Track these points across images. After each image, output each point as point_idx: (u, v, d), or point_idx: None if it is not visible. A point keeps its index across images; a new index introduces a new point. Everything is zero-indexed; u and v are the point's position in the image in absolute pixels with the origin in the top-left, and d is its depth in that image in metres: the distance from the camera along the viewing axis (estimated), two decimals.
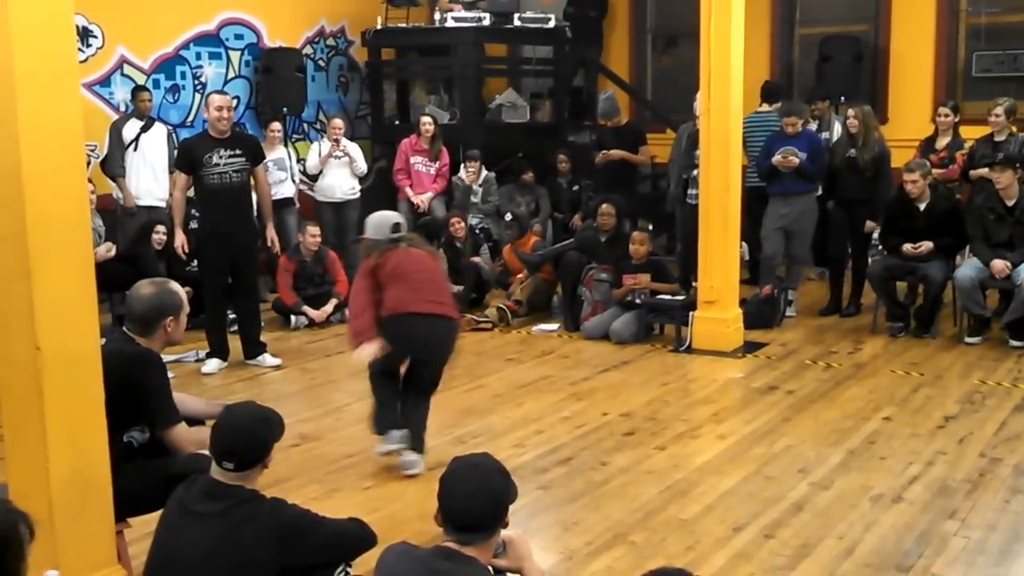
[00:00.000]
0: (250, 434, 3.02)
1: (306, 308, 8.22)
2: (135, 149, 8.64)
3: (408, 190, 9.79)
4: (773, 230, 8.18)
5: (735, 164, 7.30)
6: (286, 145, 9.85)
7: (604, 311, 7.82)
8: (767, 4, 10.71)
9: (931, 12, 10.07)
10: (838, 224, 8.29)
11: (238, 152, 6.88)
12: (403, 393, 5.20)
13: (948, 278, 7.40)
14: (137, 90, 8.90)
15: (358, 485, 4.93)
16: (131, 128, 8.68)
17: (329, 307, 8.25)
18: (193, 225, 7.57)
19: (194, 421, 3.68)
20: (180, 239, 7.15)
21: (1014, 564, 4.00)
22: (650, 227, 8.68)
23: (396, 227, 5.21)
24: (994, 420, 5.71)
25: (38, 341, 3.26)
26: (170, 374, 3.75)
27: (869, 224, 7.99)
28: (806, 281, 8.94)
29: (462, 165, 9.88)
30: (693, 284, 7.74)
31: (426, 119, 9.80)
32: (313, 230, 8.42)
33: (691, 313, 7.38)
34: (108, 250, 7.92)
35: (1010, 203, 7.23)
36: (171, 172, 8.63)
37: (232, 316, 7.37)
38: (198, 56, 9.99)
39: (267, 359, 7.15)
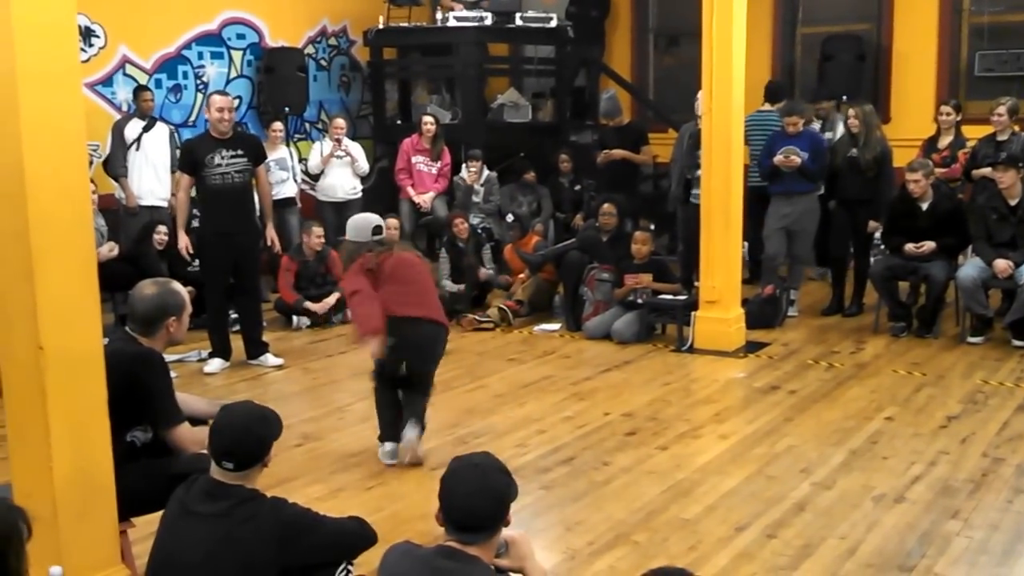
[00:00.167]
0: (249, 433, 3.02)
1: (308, 304, 8.22)
2: (137, 149, 8.65)
3: (410, 190, 9.79)
4: (775, 230, 8.17)
5: (737, 164, 7.30)
6: (288, 145, 9.85)
7: (606, 311, 7.82)
8: (769, 3, 10.71)
9: (934, 11, 10.07)
10: (840, 224, 8.29)
11: (240, 152, 6.88)
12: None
13: (950, 278, 7.40)
14: (139, 90, 8.91)
15: (361, 485, 4.94)
16: (133, 128, 8.68)
17: (331, 299, 8.22)
18: (194, 224, 7.57)
19: (197, 421, 3.68)
20: (184, 241, 7.15)
21: (1017, 564, 3.99)
22: (652, 227, 8.67)
23: (377, 229, 5.28)
24: (996, 420, 5.71)
25: (41, 341, 3.27)
26: (172, 374, 3.75)
27: (872, 224, 7.99)
28: (807, 281, 8.94)
29: (464, 165, 9.88)
30: (695, 284, 7.74)
31: (428, 119, 9.80)
32: (317, 231, 8.42)
33: (693, 313, 7.38)
34: (111, 250, 7.93)
35: (1013, 203, 7.23)
36: (173, 172, 8.65)
37: (234, 316, 7.39)
38: (200, 56, 10.00)
39: (269, 359, 7.15)
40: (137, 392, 3.52)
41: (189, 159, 6.95)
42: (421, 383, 5.27)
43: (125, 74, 9.35)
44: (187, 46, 9.88)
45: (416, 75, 11.60)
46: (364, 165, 9.70)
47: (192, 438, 3.56)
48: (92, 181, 7.09)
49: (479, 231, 9.33)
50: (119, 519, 3.53)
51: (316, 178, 9.76)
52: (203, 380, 6.83)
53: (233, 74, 10.32)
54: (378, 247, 5.21)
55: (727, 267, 7.32)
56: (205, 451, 3.11)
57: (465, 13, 10.59)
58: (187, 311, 3.73)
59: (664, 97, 11.57)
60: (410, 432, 5.17)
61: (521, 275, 8.72)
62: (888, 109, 10.11)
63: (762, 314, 7.86)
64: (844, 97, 9.59)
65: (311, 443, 5.54)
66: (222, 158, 6.82)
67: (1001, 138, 7.93)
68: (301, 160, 9.99)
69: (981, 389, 6.31)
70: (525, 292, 8.48)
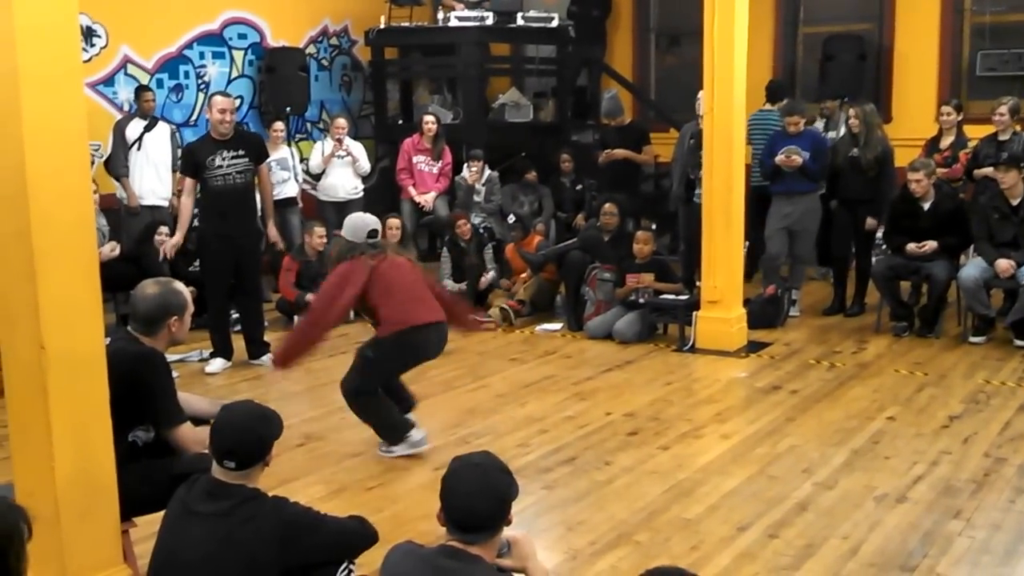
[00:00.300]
0: (249, 433, 3.03)
1: (309, 297, 8.18)
2: (138, 149, 8.65)
3: (411, 189, 9.79)
4: (777, 230, 8.17)
5: (738, 164, 7.29)
6: (289, 145, 9.85)
7: (607, 311, 7.82)
8: (771, 3, 10.71)
9: (935, 11, 10.06)
10: (841, 224, 8.29)
11: (241, 153, 6.88)
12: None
13: (952, 278, 7.39)
14: (140, 90, 8.92)
15: (362, 485, 4.94)
16: (134, 128, 8.69)
17: None
18: (195, 224, 7.56)
19: (199, 421, 3.67)
20: (176, 239, 7.14)
21: (1019, 564, 3.99)
22: (653, 226, 8.67)
23: (373, 233, 5.32)
24: (998, 420, 5.70)
25: (43, 340, 3.27)
26: (174, 373, 3.75)
27: (870, 221, 7.98)
28: (808, 281, 8.93)
29: (465, 164, 9.88)
30: (697, 284, 7.73)
31: (428, 118, 9.80)
32: (319, 231, 8.42)
33: (695, 313, 7.38)
34: (112, 249, 7.93)
35: (1014, 202, 7.22)
36: (174, 171, 8.66)
37: (235, 316, 7.39)
38: (201, 56, 10.00)
39: (268, 359, 7.15)
40: (139, 392, 3.52)
41: (190, 162, 6.94)
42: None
43: (126, 74, 9.36)
44: (188, 46, 9.89)
45: (417, 75, 11.60)
46: (365, 165, 9.70)
47: (194, 438, 3.55)
48: (93, 181, 7.08)
49: (481, 231, 9.33)
50: (121, 519, 3.53)
51: (317, 178, 9.76)
52: (205, 380, 6.83)
53: (234, 74, 10.33)
54: (371, 250, 5.23)
55: (729, 267, 7.32)
56: (207, 451, 3.11)
57: (466, 13, 10.59)
58: (189, 311, 3.74)
59: (665, 97, 11.56)
60: (417, 433, 5.31)
61: (523, 275, 8.71)
62: (890, 109, 10.11)
63: (764, 314, 7.85)
64: (845, 98, 9.58)
65: (312, 443, 5.54)
66: (223, 159, 6.82)
67: (1003, 138, 7.92)
68: (302, 160, 9.99)
69: (983, 389, 6.31)
70: (527, 292, 8.47)
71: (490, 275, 8.83)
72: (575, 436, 5.58)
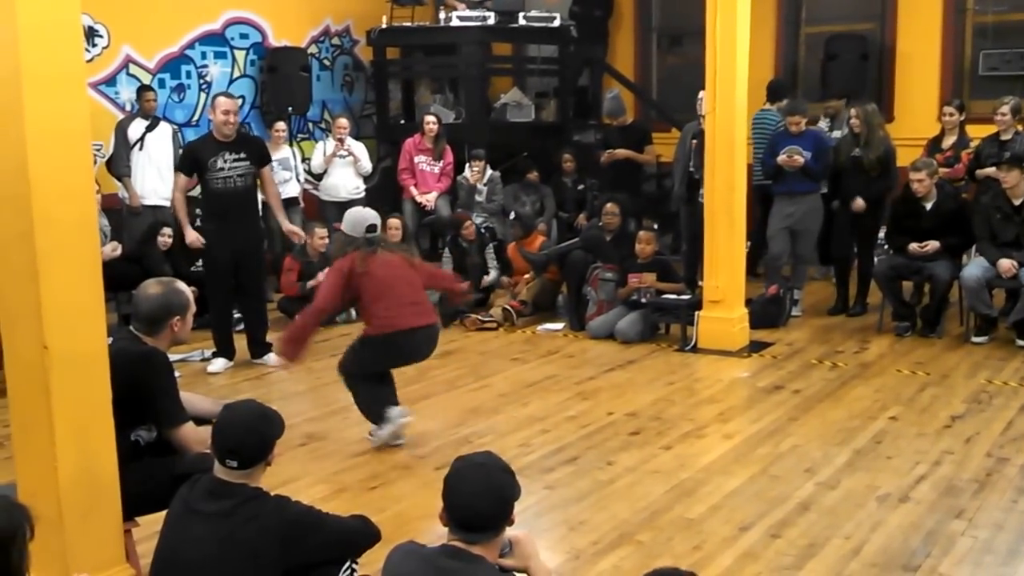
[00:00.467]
0: (251, 432, 3.03)
1: (312, 283, 8.15)
2: (140, 149, 8.66)
3: (413, 189, 9.79)
4: (779, 230, 8.17)
5: (740, 164, 7.29)
6: (291, 145, 9.85)
7: (609, 310, 7.81)
8: (773, 3, 10.70)
9: (938, 10, 10.05)
10: (843, 224, 8.29)
11: (243, 156, 6.87)
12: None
13: (954, 277, 7.39)
14: (142, 89, 8.92)
15: (364, 484, 4.94)
16: (136, 128, 8.69)
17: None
18: (196, 224, 7.58)
19: (201, 420, 3.68)
20: (192, 235, 7.09)
21: (1022, 564, 3.98)
22: (655, 226, 8.67)
23: (372, 228, 5.40)
24: (1001, 420, 5.70)
25: (45, 340, 3.27)
26: (176, 373, 3.75)
27: (858, 203, 7.94)
28: (810, 281, 8.93)
29: (467, 164, 9.88)
30: (699, 283, 7.73)
31: (430, 118, 9.80)
32: (320, 232, 8.42)
33: (697, 312, 7.37)
34: (114, 249, 7.94)
35: (1017, 202, 7.22)
36: (176, 171, 8.65)
37: (238, 316, 7.40)
38: (203, 56, 10.01)
39: (272, 358, 7.15)
40: (141, 391, 3.52)
41: (190, 161, 6.93)
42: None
43: (128, 74, 9.36)
44: (190, 46, 9.89)
45: (419, 75, 11.60)
46: (367, 165, 9.71)
47: (196, 437, 3.56)
48: (95, 181, 7.10)
49: (482, 231, 9.33)
50: (123, 518, 3.53)
51: (319, 178, 9.77)
52: (207, 380, 6.83)
53: (236, 74, 10.33)
54: (367, 246, 5.32)
55: (731, 267, 7.31)
56: (209, 450, 3.11)
57: (468, 13, 10.59)
58: (191, 311, 3.74)
59: (667, 97, 11.55)
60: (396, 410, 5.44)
61: (526, 275, 8.71)
62: (892, 108, 10.10)
63: (766, 314, 7.85)
64: (847, 99, 9.57)
65: (314, 443, 5.54)
66: (225, 161, 6.81)
67: (1005, 137, 7.91)
68: (304, 160, 9.99)
69: (985, 389, 6.30)
70: (529, 292, 8.47)
71: (492, 275, 8.83)
72: (577, 436, 5.58)
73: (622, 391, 6.44)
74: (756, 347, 7.37)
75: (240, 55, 10.34)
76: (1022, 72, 9.64)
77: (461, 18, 10.50)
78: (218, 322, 7.13)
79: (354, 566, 3.15)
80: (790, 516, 4.45)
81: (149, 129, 8.71)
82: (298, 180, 9.56)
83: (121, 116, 8.99)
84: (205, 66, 10.02)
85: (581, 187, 10.15)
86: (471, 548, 2.54)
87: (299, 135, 10.69)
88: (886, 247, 8.01)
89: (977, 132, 8.30)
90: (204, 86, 10.01)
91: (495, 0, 10.93)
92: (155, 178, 8.69)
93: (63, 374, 3.30)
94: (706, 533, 4.29)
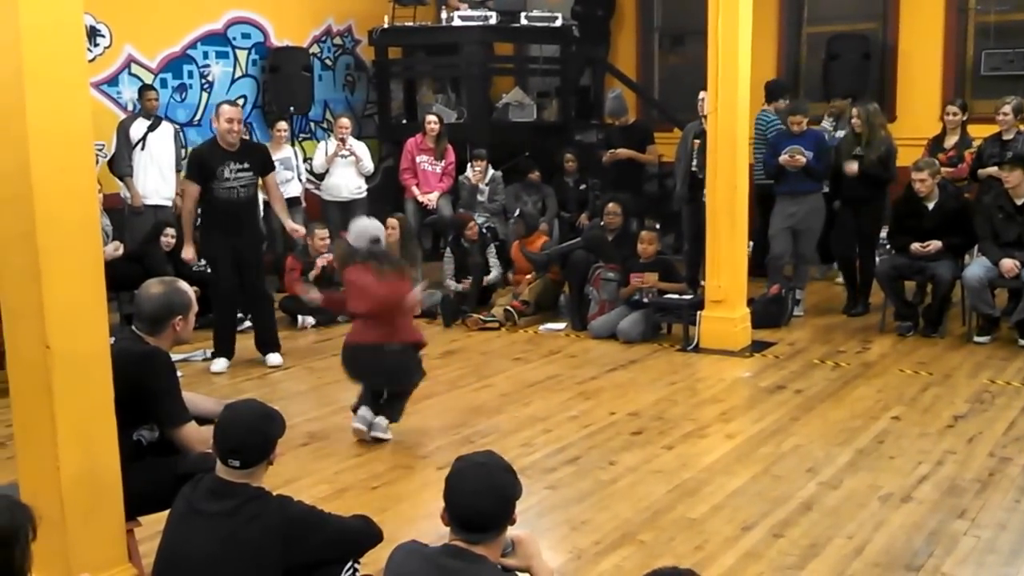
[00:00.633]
0: (253, 431, 3.03)
1: (319, 260, 8.18)
2: (142, 148, 8.66)
3: (415, 189, 9.78)
4: (781, 229, 8.16)
5: (742, 164, 7.28)
6: (293, 144, 9.86)
7: (611, 310, 7.81)
8: (775, 2, 10.69)
9: (940, 10, 10.05)
10: (844, 223, 8.29)
11: (245, 166, 6.86)
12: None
13: (957, 277, 7.38)
14: (144, 89, 8.92)
15: (366, 484, 4.94)
16: (138, 127, 8.70)
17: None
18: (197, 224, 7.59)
19: (204, 420, 3.68)
20: (190, 252, 7.12)
21: None
22: (657, 226, 8.66)
23: (376, 241, 5.50)
24: (1003, 419, 5.69)
25: (48, 340, 3.27)
26: (179, 373, 3.75)
27: (850, 166, 7.91)
28: (811, 280, 8.91)
29: (469, 164, 9.87)
30: (701, 283, 7.72)
31: (431, 117, 9.80)
32: (322, 233, 8.41)
33: (699, 312, 7.37)
34: (116, 249, 7.94)
35: (1019, 202, 7.21)
36: (178, 171, 8.67)
37: (240, 316, 7.41)
38: (205, 55, 10.01)
39: (271, 358, 7.16)
40: (143, 391, 3.52)
41: (199, 169, 6.86)
42: (402, 393, 5.60)
43: (130, 73, 9.37)
44: (192, 46, 9.90)
45: (421, 74, 11.60)
46: (368, 164, 9.71)
47: (198, 437, 3.56)
48: (97, 181, 7.11)
49: (484, 231, 9.33)
50: (126, 518, 3.53)
51: (321, 177, 9.77)
52: (209, 379, 6.84)
53: (238, 73, 10.33)
54: (369, 257, 5.42)
55: (733, 266, 7.31)
56: (211, 450, 3.11)
57: (470, 12, 10.59)
58: (193, 310, 3.74)
59: (669, 96, 11.55)
60: (383, 422, 5.50)
61: (528, 275, 8.71)
62: (894, 108, 10.09)
63: (768, 313, 7.84)
64: (850, 99, 9.57)
65: (317, 442, 5.54)
66: (230, 172, 6.80)
67: (1007, 137, 7.91)
68: (306, 160, 9.99)
69: (988, 389, 6.30)
70: (531, 292, 8.47)
71: (493, 274, 8.83)
72: (579, 436, 5.58)
73: (624, 391, 6.44)
74: (758, 347, 7.36)
75: (242, 55, 10.35)
76: None
77: (463, 18, 10.50)
78: (220, 323, 7.12)
79: (356, 566, 3.15)
80: (792, 516, 4.44)
81: (151, 129, 8.71)
82: (300, 180, 9.57)
83: (123, 116, 8.99)
84: (207, 66, 10.03)
85: (583, 187, 10.15)
86: (473, 548, 2.54)
87: (301, 135, 10.69)
88: (888, 247, 8.01)
89: (979, 132, 8.29)
90: (206, 86, 10.01)
91: (497, 0, 10.93)
92: (157, 178, 8.69)
93: (65, 374, 3.30)
94: (708, 533, 4.29)
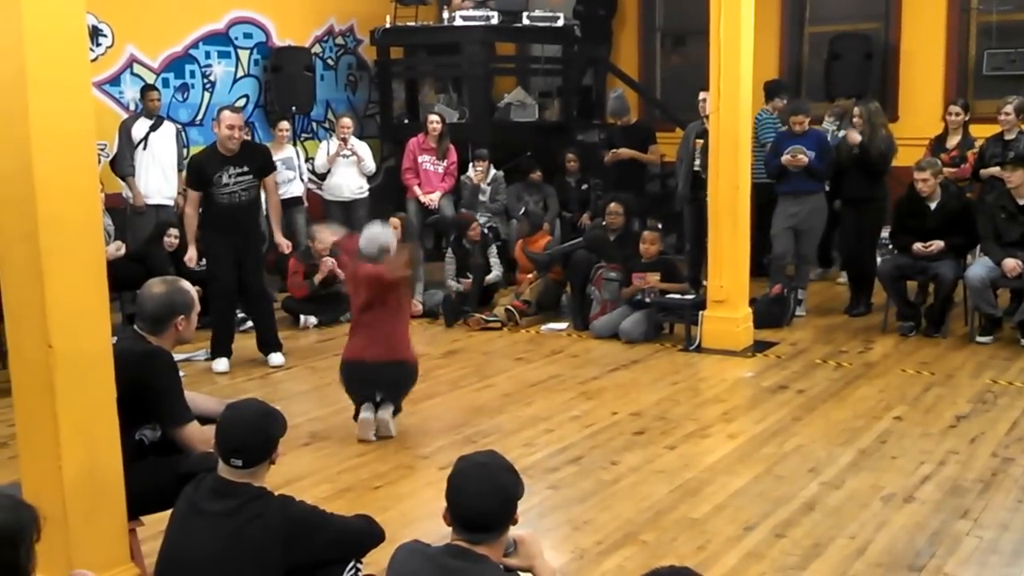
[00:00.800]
0: (256, 431, 3.03)
1: (325, 263, 8.16)
2: (144, 148, 8.66)
3: (417, 189, 9.78)
4: (783, 229, 8.16)
5: (744, 163, 7.28)
6: (295, 144, 9.85)
7: (613, 310, 7.81)
8: (777, 2, 10.69)
9: (942, 10, 10.04)
10: (848, 223, 8.29)
11: (245, 169, 6.87)
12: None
13: (959, 277, 7.38)
14: (146, 89, 8.92)
15: (368, 484, 4.94)
16: (140, 127, 8.70)
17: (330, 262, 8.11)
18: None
19: (206, 420, 3.67)
20: (193, 254, 7.19)
21: None
22: (659, 226, 8.66)
23: (385, 251, 5.54)
24: (1006, 419, 5.69)
25: (50, 339, 3.27)
26: (180, 373, 3.75)
27: (852, 136, 7.90)
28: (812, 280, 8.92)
29: (470, 164, 9.87)
30: (703, 283, 7.72)
31: (434, 117, 9.79)
32: (322, 235, 8.40)
33: (701, 312, 7.37)
34: (118, 249, 7.94)
35: (1021, 202, 7.20)
36: (180, 171, 8.68)
37: (241, 316, 7.41)
38: (207, 55, 10.01)
39: (273, 358, 7.17)
40: (145, 391, 3.52)
41: (197, 177, 6.94)
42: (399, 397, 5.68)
43: (132, 73, 9.37)
44: (194, 45, 9.90)
45: (423, 74, 11.59)
46: (370, 164, 9.71)
47: (200, 437, 3.55)
48: (99, 181, 7.11)
49: (486, 231, 9.34)
50: (128, 518, 3.54)
51: (323, 177, 9.77)
52: (211, 379, 6.84)
53: (240, 73, 10.34)
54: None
55: (735, 266, 7.31)
56: (213, 450, 3.11)
57: (472, 12, 10.59)
58: (195, 310, 3.74)
59: (671, 96, 11.54)
60: (384, 412, 5.54)
61: (529, 275, 8.71)
62: (896, 108, 10.09)
63: (770, 313, 7.84)
64: (857, 97, 9.56)
65: (319, 442, 5.54)
66: (229, 176, 6.81)
67: (1009, 137, 7.91)
68: (308, 159, 9.99)
69: (990, 389, 6.29)
70: (533, 292, 8.47)
71: (493, 274, 8.83)
72: (581, 435, 5.58)
73: (626, 391, 6.44)
74: (760, 347, 7.36)
75: (244, 55, 10.35)
76: None
77: (465, 18, 10.50)
78: (218, 324, 7.12)
79: (358, 566, 3.15)
80: (795, 516, 4.44)
81: (153, 129, 8.71)
82: (302, 180, 9.57)
83: (125, 116, 8.99)
84: (209, 66, 10.03)
85: (585, 187, 10.14)
86: (475, 548, 2.54)
87: (303, 135, 10.69)
88: (890, 247, 8.01)
89: (981, 132, 8.29)
90: (208, 86, 10.02)
91: (498, 0, 10.93)
92: (159, 178, 8.69)
93: (68, 373, 3.30)
94: (710, 533, 4.29)
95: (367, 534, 3.21)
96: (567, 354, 7.42)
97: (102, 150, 8.61)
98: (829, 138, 8.61)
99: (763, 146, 8.53)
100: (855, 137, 7.91)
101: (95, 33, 8.92)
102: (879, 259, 8.17)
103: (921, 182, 7.42)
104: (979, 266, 7.30)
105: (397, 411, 5.62)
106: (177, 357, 4.08)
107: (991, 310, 7.30)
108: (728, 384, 6.60)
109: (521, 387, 6.56)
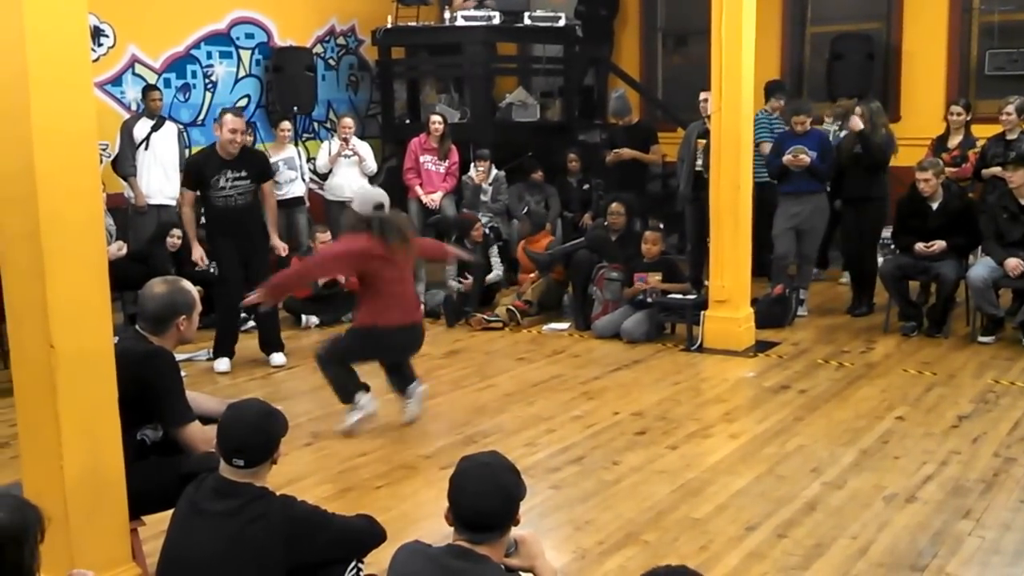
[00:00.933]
0: (258, 430, 3.03)
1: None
2: (146, 148, 8.67)
3: (418, 189, 9.78)
4: (785, 229, 8.15)
5: (746, 163, 7.28)
6: (296, 144, 9.85)
7: (615, 310, 7.81)
8: (778, 2, 10.68)
9: (943, 10, 10.03)
10: (849, 224, 8.28)
11: (243, 174, 6.88)
12: (390, 375, 5.89)
13: (961, 277, 7.37)
14: (148, 89, 8.92)
15: (370, 484, 4.93)
16: (142, 127, 8.70)
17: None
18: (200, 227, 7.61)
19: (207, 420, 3.67)
20: (198, 253, 7.22)
21: None
22: (661, 226, 8.66)
23: (380, 206, 5.62)
24: (1008, 419, 5.68)
25: (52, 339, 3.27)
26: (182, 372, 3.75)
27: (855, 122, 7.88)
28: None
29: (472, 164, 9.87)
30: (705, 283, 7.72)
31: (435, 117, 9.79)
32: (323, 236, 8.41)
33: (702, 312, 7.36)
34: (119, 248, 7.94)
35: (1023, 202, 7.20)
36: (182, 170, 8.67)
37: (244, 316, 7.41)
38: (209, 55, 10.01)
39: (275, 358, 7.17)
40: (147, 391, 3.52)
41: (194, 178, 6.96)
42: (407, 363, 5.90)
43: (134, 73, 9.37)
44: (196, 45, 9.90)
45: (424, 74, 11.59)
46: (372, 164, 9.70)
47: (202, 437, 3.55)
48: (101, 180, 7.11)
49: (487, 231, 9.33)
50: (129, 517, 3.54)
51: (324, 177, 9.77)
52: (213, 379, 6.84)
53: (242, 73, 10.34)
54: (377, 225, 5.54)
55: (736, 266, 7.30)
56: (214, 450, 3.11)
57: (473, 12, 10.59)
58: (197, 310, 3.74)
59: (673, 96, 11.54)
60: (418, 387, 5.82)
61: (531, 275, 8.71)
62: (898, 108, 10.08)
63: (771, 313, 7.84)
64: (859, 97, 9.55)
65: (320, 442, 5.54)
66: (227, 180, 6.82)
67: (1010, 137, 7.91)
68: (309, 160, 9.99)
69: (992, 389, 6.29)
70: (535, 292, 8.47)
71: (494, 273, 8.83)
72: (583, 435, 5.58)
73: (628, 391, 6.43)
74: (762, 347, 7.36)
75: (245, 55, 10.35)
76: None
77: (466, 18, 10.49)
78: (222, 323, 7.13)
79: (360, 566, 3.15)
80: (796, 516, 4.44)
81: (155, 129, 8.72)
82: (303, 180, 9.57)
83: (127, 116, 9.00)
84: (211, 66, 10.03)
85: (586, 187, 10.14)
86: (477, 548, 2.54)
87: (304, 135, 10.70)
88: (892, 247, 8.00)
89: (983, 132, 8.29)
90: (210, 86, 10.02)
91: (500, 0, 10.93)
92: (161, 178, 8.69)
93: (69, 373, 3.31)
94: (712, 533, 4.29)
95: (368, 534, 3.22)
96: (569, 354, 7.41)
97: (104, 150, 8.62)
98: (831, 138, 8.61)
99: (756, 145, 8.51)
100: (858, 123, 7.91)
101: (97, 33, 8.92)
102: (881, 259, 8.17)
103: (923, 182, 7.41)
104: (981, 266, 7.30)
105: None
106: (179, 357, 4.08)
107: (993, 310, 7.30)
108: (730, 384, 6.60)
109: (523, 387, 6.55)
